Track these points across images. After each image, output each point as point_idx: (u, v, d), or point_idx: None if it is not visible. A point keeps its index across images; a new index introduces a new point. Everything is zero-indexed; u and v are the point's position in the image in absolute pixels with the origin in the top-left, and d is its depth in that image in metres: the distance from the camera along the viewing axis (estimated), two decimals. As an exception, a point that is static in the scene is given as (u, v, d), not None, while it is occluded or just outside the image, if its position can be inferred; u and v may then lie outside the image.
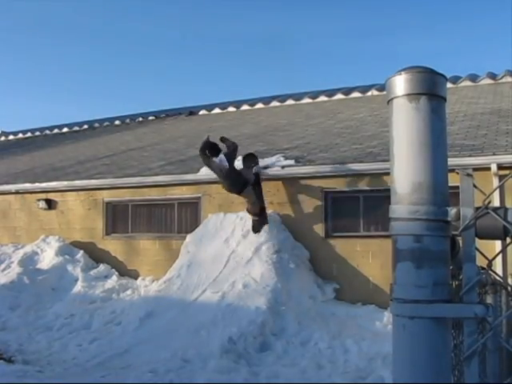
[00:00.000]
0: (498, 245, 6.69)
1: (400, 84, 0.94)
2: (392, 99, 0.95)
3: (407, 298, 0.91)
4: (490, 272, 1.75)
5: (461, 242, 0.98)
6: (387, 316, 8.47)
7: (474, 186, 0.97)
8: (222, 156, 9.42)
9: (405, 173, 0.92)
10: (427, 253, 0.90)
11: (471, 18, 50.51)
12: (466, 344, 0.95)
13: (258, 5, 52.25)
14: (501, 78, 15.42)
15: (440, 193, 0.92)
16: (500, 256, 7.79)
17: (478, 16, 50.40)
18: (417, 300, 0.90)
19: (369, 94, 17.03)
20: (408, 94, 0.93)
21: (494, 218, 0.93)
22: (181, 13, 54.77)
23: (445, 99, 0.96)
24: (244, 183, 9.56)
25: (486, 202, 0.93)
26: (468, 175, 0.96)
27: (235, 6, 53.54)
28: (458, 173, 0.96)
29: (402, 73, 0.94)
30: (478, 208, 0.95)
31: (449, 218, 0.92)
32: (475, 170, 1.08)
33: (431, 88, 0.93)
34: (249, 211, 9.80)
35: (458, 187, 0.97)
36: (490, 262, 1.01)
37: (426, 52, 51.24)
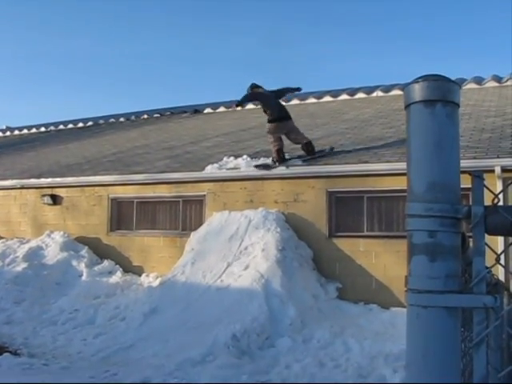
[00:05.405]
0: (500, 244, 6.80)
1: (417, 91, 1.02)
2: (409, 105, 1.03)
3: (421, 289, 0.99)
4: (494, 270, 1.83)
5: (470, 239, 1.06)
6: (389, 316, 8.56)
7: (484, 187, 1.05)
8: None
9: (420, 173, 1.01)
10: (440, 247, 0.99)
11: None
12: (475, 332, 1.03)
13: (257, 5, 52.29)
14: (506, 81, 15.44)
15: (453, 192, 1.00)
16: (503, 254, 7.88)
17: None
18: (430, 290, 0.98)
19: (374, 94, 17.08)
20: (424, 101, 1.01)
21: (502, 215, 1.01)
22: (180, 22, 54.92)
23: (458, 105, 1.04)
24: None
25: (495, 200, 1.01)
26: (479, 177, 1.04)
27: (233, 7, 53.63)
28: (470, 174, 1.04)
29: (419, 81, 1.02)
30: (487, 206, 1.03)
31: (460, 216, 1.01)
32: (478, 172, 1.17)
33: (446, 95, 1.01)
34: (302, 145, 10.59)
35: (464, 188, 1.04)
36: (499, 257, 1.09)
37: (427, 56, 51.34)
